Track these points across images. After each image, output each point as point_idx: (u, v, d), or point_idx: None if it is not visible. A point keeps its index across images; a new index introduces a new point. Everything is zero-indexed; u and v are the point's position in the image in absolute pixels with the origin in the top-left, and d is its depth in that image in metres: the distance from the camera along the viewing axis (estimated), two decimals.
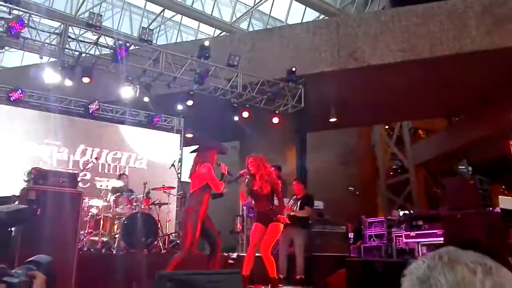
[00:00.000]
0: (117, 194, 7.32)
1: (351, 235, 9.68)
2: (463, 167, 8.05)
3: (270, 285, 4.79)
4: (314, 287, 5.47)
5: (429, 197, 17.28)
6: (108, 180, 7.20)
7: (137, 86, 8.56)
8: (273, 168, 7.42)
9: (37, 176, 4.78)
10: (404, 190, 18.46)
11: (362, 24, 10.15)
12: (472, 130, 13.20)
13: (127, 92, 8.55)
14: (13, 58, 15.40)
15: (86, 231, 6.86)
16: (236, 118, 9.58)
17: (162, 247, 7.14)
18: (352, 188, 14.06)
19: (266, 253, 4.71)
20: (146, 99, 8.73)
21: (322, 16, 16.74)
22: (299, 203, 6.63)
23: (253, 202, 5.17)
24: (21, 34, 7.22)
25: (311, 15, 17.08)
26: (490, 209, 6.49)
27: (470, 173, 7.24)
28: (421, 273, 0.81)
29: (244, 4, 17.48)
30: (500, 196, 7.59)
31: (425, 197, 17.56)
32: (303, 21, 15.59)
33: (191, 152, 5.00)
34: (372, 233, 9.36)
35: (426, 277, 0.80)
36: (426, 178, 17.90)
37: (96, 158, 7.47)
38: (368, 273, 3.43)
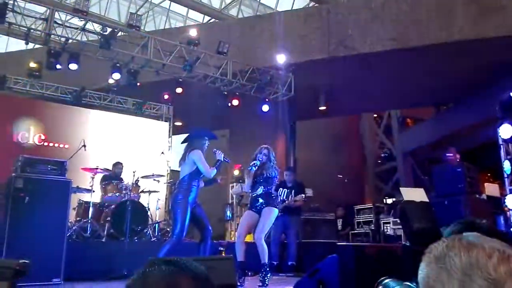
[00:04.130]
0: (106, 182, 7.27)
1: (339, 221, 9.78)
2: (451, 154, 8.12)
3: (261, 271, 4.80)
4: (304, 273, 5.52)
5: (416, 185, 17.46)
6: (97, 168, 7.10)
7: (125, 73, 8.48)
8: None
9: (25, 164, 4.72)
10: (392, 178, 18.63)
11: (352, 11, 10.12)
12: (460, 119, 13.32)
13: (115, 79, 8.48)
14: None
15: (75, 219, 6.82)
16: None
17: (152, 235, 7.13)
18: (341, 176, 14.15)
19: (259, 238, 4.71)
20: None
21: (312, 3, 16.64)
22: (293, 192, 6.72)
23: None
24: (6, 19, 7.06)
25: (301, 2, 16.96)
26: (477, 196, 6.60)
27: (458, 160, 7.32)
28: (439, 252, 0.84)
29: None
30: (486, 184, 7.70)
31: (413, 185, 17.75)
32: (293, 8, 15.48)
33: (182, 142, 4.99)
34: (361, 220, 9.47)
35: (442, 255, 0.82)
36: (414, 166, 18.07)
37: (84, 146, 7.38)
38: (360, 258, 3.47)
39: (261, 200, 4.82)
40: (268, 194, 4.84)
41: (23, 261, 1.22)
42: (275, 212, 4.82)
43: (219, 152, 4.89)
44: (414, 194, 5.48)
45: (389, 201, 12.02)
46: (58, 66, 7.74)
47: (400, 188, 6.47)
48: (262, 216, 4.74)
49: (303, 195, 6.72)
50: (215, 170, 4.76)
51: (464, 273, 0.78)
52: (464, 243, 0.81)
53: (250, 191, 5.03)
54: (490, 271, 0.76)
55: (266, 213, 4.74)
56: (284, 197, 6.77)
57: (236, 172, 10.83)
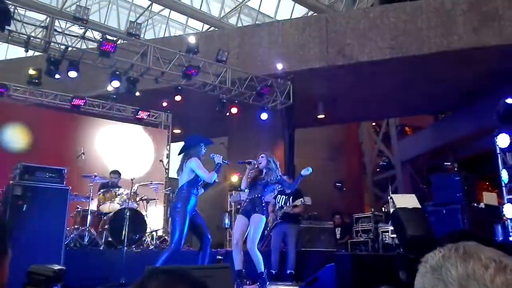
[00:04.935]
0: (104, 190, 7.26)
1: (338, 230, 9.75)
2: (449, 163, 8.13)
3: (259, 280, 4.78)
4: (303, 282, 5.50)
5: (415, 193, 17.41)
6: (95, 176, 7.10)
7: (125, 80, 8.50)
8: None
9: (24, 171, 4.72)
10: (391, 187, 18.59)
11: (351, 20, 10.18)
12: (458, 127, 13.36)
13: (114, 86, 8.50)
14: None
15: (72, 227, 6.79)
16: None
17: (150, 243, 7.11)
18: (339, 184, 14.14)
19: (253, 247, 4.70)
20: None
21: (311, 13, 16.74)
22: (290, 198, 6.69)
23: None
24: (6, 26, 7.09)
25: (300, 11, 17.08)
26: (475, 205, 6.60)
27: (456, 169, 7.33)
28: (435, 262, 0.83)
29: None
30: (484, 193, 7.70)
31: (411, 194, 17.71)
32: (292, 17, 15.58)
33: (179, 154, 4.98)
34: (359, 229, 9.45)
35: (438, 266, 0.82)
36: (413, 174, 18.07)
37: (82, 153, 7.38)
38: (358, 267, 3.46)
39: (251, 205, 4.82)
40: (259, 200, 4.82)
41: (59, 267, 1.22)
42: (263, 219, 4.80)
43: (217, 155, 4.88)
44: (407, 201, 5.48)
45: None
46: (57, 76, 7.76)
47: (392, 195, 6.47)
48: (251, 224, 4.72)
49: (302, 199, 6.69)
50: (216, 174, 4.74)
51: (460, 284, 0.77)
52: (460, 254, 0.81)
53: (245, 191, 5.03)
54: (486, 282, 0.76)
55: (254, 220, 4.72)
56: (283, 204, 6.76)
57: (235, 179, 10.81)
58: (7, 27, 7.11)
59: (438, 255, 0.84)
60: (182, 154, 4.86)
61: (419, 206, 5.42)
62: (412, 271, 0.88)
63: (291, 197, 6.74)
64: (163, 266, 3.91)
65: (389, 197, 6.39)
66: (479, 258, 0.79)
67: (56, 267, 1.34)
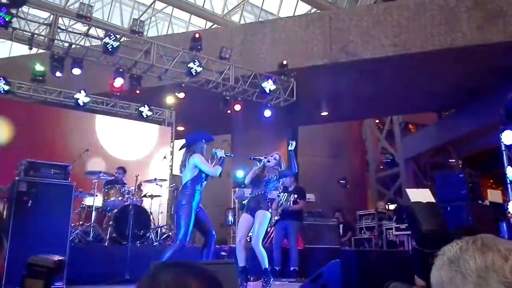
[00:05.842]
0: (109, 186, 7.28)
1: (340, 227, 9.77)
2: (453, 160, 8.09)
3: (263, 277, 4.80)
4: (307, 279, 5.51)
5: None
6: (100, 172, 7.12)
7: (128, 78, 8.51)
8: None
9: (29, 167, 4.74)
10: (394, 184, 18.59)
11: (354, 17, 10.14)
12: (462, 124, 13.32)
13: (117, 84, 8.51)
14: (0, 48, 15.17)
15: (77, 223, 6.83)
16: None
17: (154, 240, 7.13)
18: (343, 181, 14.15)
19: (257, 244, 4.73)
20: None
21: (314, 10, 16.71)
22: (292, 195, 6.71)
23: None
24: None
25: (303, 8, 17.04)
26: (480, 202, 6.59)
27: (460, 166, 7.31)
28: (453, 254, 0.82)
29: None
30: (489, 190, 7.68)
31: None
32: (295, 14, 15.55)
33: (180, 149, 5.00)
34: (363, 226, 9.47)
35: (456, 258, 0.81)
36: (416, 172, 18.04)
37: (87, 150, 7.40)
38: (362, 263, 3.46)
39: (255, 203, 4.85)
40: (262, 197, 4.86)
41: (59, 258, 1.22)
42: (268, 215, 4.83)
43: (219, 149, 4.91)
44: (421, 195, 5.43)
45: (392, 206, 12.00)
46: (58, 74, 7.77)
47: (406, 189, 6.42)
48: (256, 221, 4.75)
49: (295, 195, 6.72)
50: (220, 168, 4.76)
51: (479, 276, 0.77)
52: (478, 246, 0.80)
53: (249, 185, 5.08)
54: (506, 274, 0.75)
55: (259, 217, 4.75)
56: (284, 201, 6.78)
57: (239, 176, 10.82)
58: (9, 26, 7.11)
59: (455, 247, 0.83)
60: (184, 151, 4.88)
61: (433, 200, 5.38)
62: (428, 266, 0.88)
63: (292, 194, 6.77)
64: (166, 261, 3.93)
65: (406, 189, 6.35)
66: (498, 249, 0.79)
67: (56, 257, 1.34)
